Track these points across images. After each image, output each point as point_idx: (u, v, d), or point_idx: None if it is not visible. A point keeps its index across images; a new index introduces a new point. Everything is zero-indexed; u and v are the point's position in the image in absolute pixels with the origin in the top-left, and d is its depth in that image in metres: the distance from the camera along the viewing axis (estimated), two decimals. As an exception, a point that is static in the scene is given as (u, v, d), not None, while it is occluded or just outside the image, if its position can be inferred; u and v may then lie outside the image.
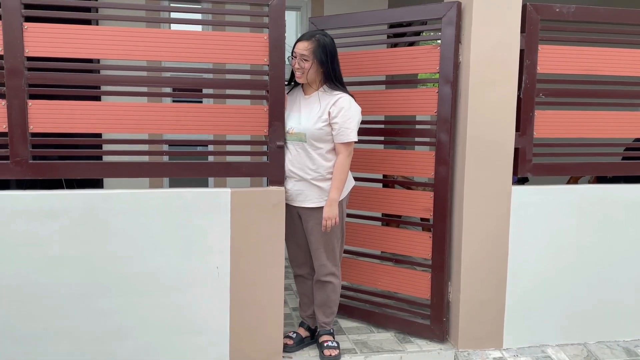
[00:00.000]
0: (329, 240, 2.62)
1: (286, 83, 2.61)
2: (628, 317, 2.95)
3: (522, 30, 2.67)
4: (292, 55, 2.54)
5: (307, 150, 2.54)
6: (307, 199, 2.57)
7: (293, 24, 4.59)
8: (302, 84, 2.61)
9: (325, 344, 2.68)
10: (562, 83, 2.82)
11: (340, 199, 2.59)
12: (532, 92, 2.72)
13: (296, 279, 2.85)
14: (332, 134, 2.52)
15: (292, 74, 2.62)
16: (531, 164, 2.77)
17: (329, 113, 2.49)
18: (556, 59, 2.74)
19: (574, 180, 4.69)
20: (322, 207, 2.56)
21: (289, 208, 2.63)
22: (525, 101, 2.72)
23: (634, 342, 2.93)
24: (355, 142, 2.58)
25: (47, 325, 2.36)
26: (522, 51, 2.69)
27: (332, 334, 2.75)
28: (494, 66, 2.65)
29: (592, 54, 2.78)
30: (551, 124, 2.79)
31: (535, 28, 2.67)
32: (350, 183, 2.71)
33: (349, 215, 2.93)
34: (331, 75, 2.54)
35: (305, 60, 2.49)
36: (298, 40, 2.53)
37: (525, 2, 2.66)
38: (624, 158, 3.31)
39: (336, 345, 2.69)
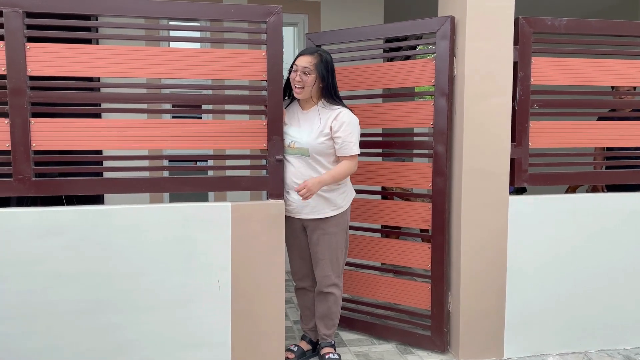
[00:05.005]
0: (334, 251, 2.64)
1: None
2: (628, 325, 2.96)
3: (515, 43, 2.72)
4: (291, 69, 2.58)
5: (311, 164, 2.57)
6: (314, 211, 2.60)
7: (291, 40, 4.65)
8: (299, 98, 2.64)
9: (326, 356, 2.69)
10: (556, 94, 2.86)
11: (344, 210, 2.64)
12: (527, 103, 2.76)
13: (298, 291, 2.86)
14: (334, 147, 2.56)
15: (285, 89, 2.64)
16: (527, 174, 2.80)
17: (331, 127, 2.53)
18: (549, 71, 2.79)
19: (572, 190, 4.72)
20: (329, 218, 2.60)
21: (293, 221, 2.66)
22: (520, 112, 2.76)
23: (634, 350, 2.93)
24: (358, 155, 2.61)
25: (49, 341, 2.37)
26: (515, 63, 2.73)
27: (333, 346, 2.76)
28: (489, 78, 2.69)
29: (585, 65, 2.82)
30: (546, 134, 2.82)
31: (528, 41, 2.72)
32: (352, 194, 2.74)
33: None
34: (330, 91, 2.58)
35: (308, 74, 2.52)
36: (300, 55, 2.56)
37: (517, 16, 2.71)
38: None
39: (337, 357, 2.70)
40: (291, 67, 2.58)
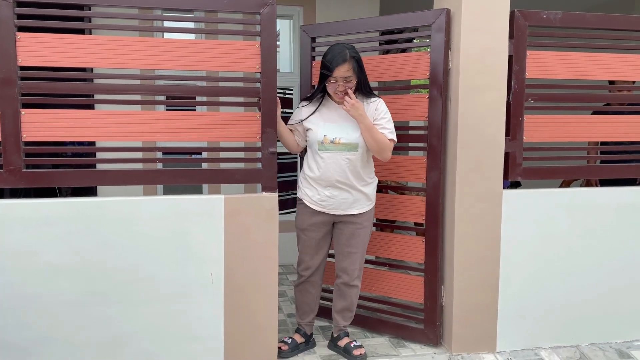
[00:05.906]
0: (365, 244, 2.73)
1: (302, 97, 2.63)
2: (620, 319, 2.97)
3: (511, 37, 2.71)
4: (326, 80, 2.53)
5: (352, 158, 2.58)
6: (352, 206, 2.65)
7: (286, 33, 4.62)
8: (329, 94, 2.62)
9: (351, 345, 2.75)
10: (551, 88, 2.86)
11: (374, 204, 2.73)
12: (521, 97, 2.75)
13: (300, 286, 2.83)
14: None
15: (320, 91, 2.63)
16: (521, 168, 2.80)
17: (374, 118, 2.60)
18: (544, 65, 2.78)
19: (566, 185, 4.73)
20: (366, 212, 2.67)
21: (322, 215, 2.67)
22: (514, 106, 2.76)
23: (626, 344, 2.95)
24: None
25: (43, 333, 2.36)
26: (510, 57, 2.72)
27: (348, 334, 2.84)
28: (483, 72, 2.68)
29: (580, 59, 2.82)
30: (540, 128, 2.82)
31: (523, 34, 2.71)
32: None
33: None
34: (363, 85, 2.61)
35: (350, 81, 2.53)
36: (336, 66, 2.48)
37: (513, 9, 2.70)
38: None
39: (360, 344, 2.77)
40: (326, 76, 2.53)
